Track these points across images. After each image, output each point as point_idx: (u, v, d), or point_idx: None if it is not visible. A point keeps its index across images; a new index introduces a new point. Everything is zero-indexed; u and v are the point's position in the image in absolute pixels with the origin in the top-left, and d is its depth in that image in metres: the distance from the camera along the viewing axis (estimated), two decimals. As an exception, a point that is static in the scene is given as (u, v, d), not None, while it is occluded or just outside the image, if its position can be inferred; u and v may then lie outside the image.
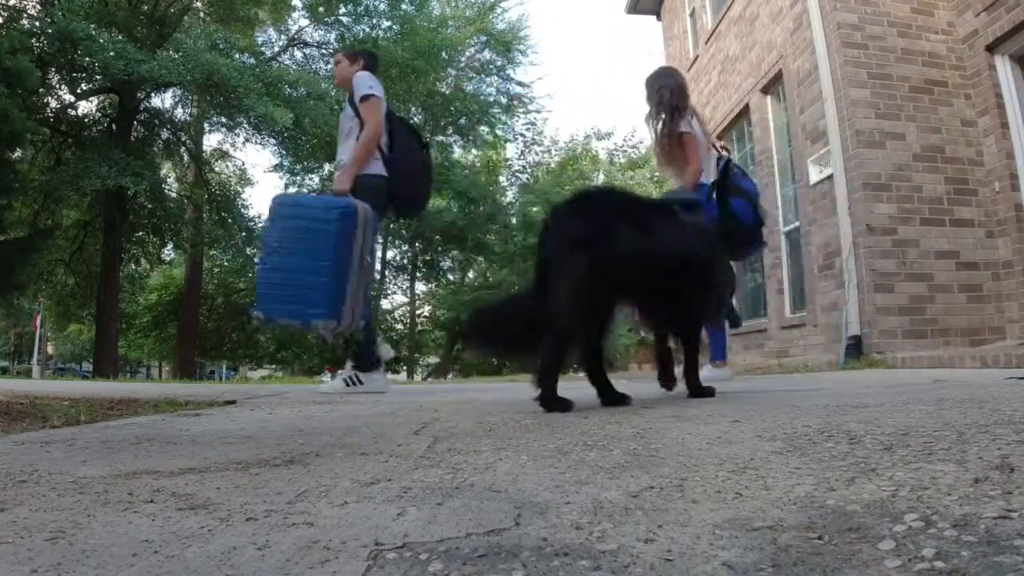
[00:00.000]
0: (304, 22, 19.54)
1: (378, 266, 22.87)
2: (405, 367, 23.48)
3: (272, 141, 17.45)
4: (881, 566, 0.63)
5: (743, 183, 3.12)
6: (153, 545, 0.77)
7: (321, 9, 18.87)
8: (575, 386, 2.29)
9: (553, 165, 23.62)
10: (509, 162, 23.75)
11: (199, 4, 16.84)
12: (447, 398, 2.90)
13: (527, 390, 2.17)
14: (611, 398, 2.15)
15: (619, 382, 2.43)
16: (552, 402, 2.02)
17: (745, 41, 7.76)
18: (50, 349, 34.81)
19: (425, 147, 3.73)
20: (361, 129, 3.36)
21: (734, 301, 3.77)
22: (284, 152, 18.84)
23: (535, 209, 22.03)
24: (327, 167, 21.19)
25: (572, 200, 2.23)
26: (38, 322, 19.07)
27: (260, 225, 18.99)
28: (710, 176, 3.37)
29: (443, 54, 19.87)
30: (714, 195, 2.79)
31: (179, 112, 17.58)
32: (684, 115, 3.50)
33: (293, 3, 18.14)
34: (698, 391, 2.30)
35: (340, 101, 17.02)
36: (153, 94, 15.81)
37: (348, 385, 3.38)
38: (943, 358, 4.45)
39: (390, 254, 23.21)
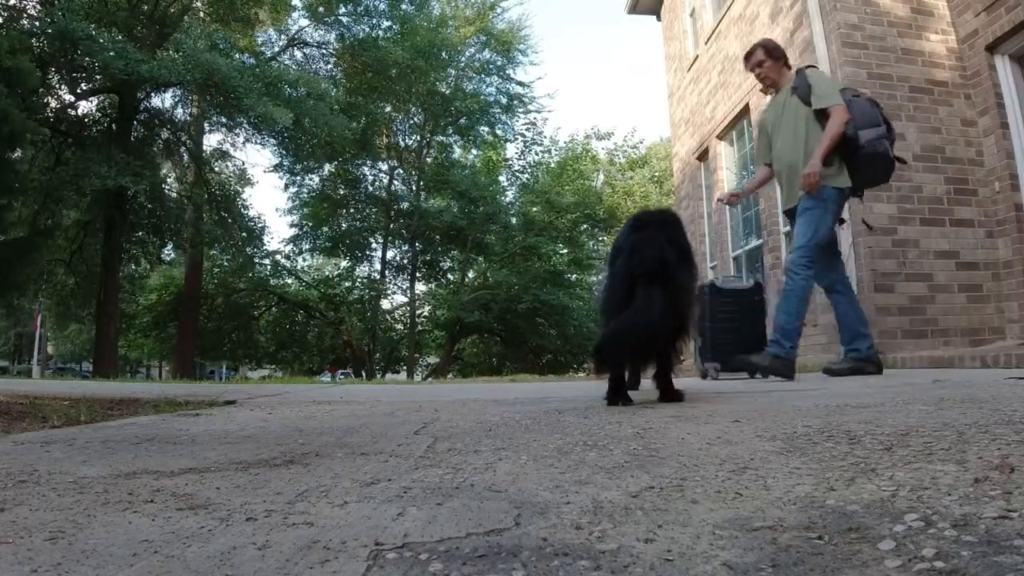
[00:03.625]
0: (304, 22, 19.58)
1: (378, 266, 22.90)
2: (405, 367, 23.49)
3: (272, 141, 17.47)
4: (881, 566, 0.63)
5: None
6: (153, 545, 0.77)
7: (321, 9, 18.89)
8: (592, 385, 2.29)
9: (553, 165, 23.61)
10: (509, 162, 23.76)
11: (199, 4, 16.84)
12: (448, 398, 2.90)
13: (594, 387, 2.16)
14: (678, 394, 2.33)
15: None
16: (680, 393, 2.30)
17: (745, 41, 7.75)
18: (50, 349, 34.82)
19: None
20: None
21: None
22: (284, 152, 18.87)
23: (535, 209, 22.07)
24: (327, 167, 21.25)
25: (663, 215, 2.41)
26: (38, 322, 19.07)
27: (260, 225, 19.00)
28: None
29: (443, 54, 19.89)
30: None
31: (179, 112, 17.60)
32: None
33: (293, 3, 18.16)
34: (671, 395, 2.31)
35: (340, 101, 17.07)
36: (153, 94, 15.82)
37: None
38: (943, 358, 4.45)
39: (390, 254, 23.22)
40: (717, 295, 4.84)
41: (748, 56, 4.01)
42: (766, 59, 3.89)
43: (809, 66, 3.99)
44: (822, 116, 3.63)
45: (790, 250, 3.95)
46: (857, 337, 3.71)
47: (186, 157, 18.12)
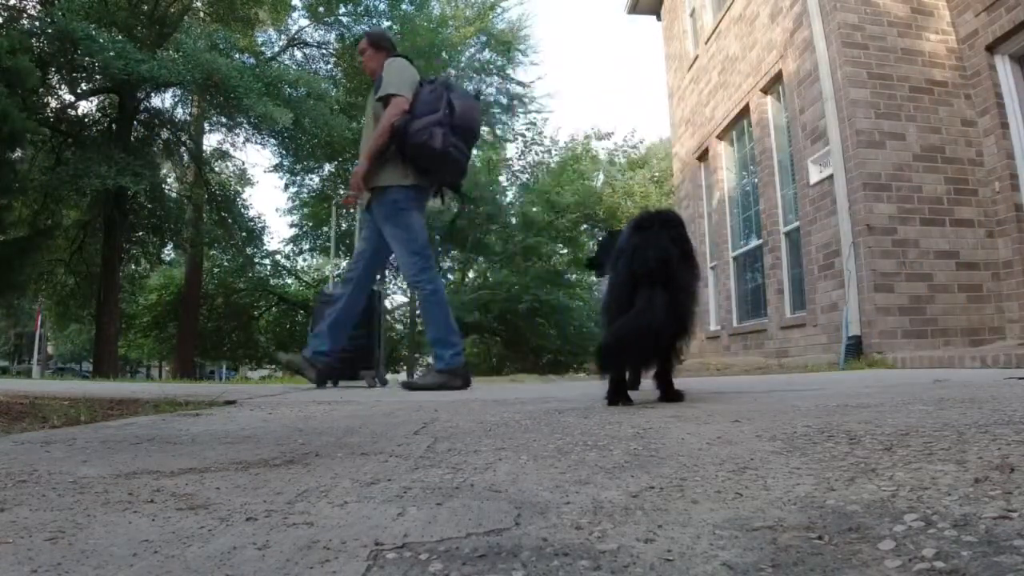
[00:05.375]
0: (304, 22, 19.56)
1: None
2: (405, 367, 23.48)
3: (272, 141, 17.46)
4: (881, 566, 0.63)
5: None
6: (153, 545, 0.77)
7: (321, 9, 18.88)
8: (588, 385, 2.29)
9: (553, 165, 23.60)
10: (509, 162, 23.74)
11: (199, 4, 16.85)
12: (448, 398, 2.90)
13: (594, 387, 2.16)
14: (678, 394, 2.34)
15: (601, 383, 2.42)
16: (681, 393, 2.31)
17: (745, 41, 7.76)
18: (50, 349, 34.81)
19: None
20: None
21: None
22: (284, 152, 18.86)
23: (535, 209, 22.05)
24: (327, 167, 21.24)
25: (665, 216, 2.40)
26: (39, 322, 19.07)
27: (260, 225, 19.00)
28: None
29: (443, 54, 19.87)
30: None
31: (179, 112, 17.60)
32: None
33: (293, 3, 18.15)
34: (671, 395, 2.32)
35: (340, 101, 17.07)
36: (153, 94, 15.81)
37: None
38: (943, 358, 4.45)
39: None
40: (326, 303, 4.49)
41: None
42: (367, 48, 3.76)
43: (397, 55, 3.72)
44: (385, 107, 3.44)
45: (395, 263, 3.85)
46: (443, 344, 3.47)
47: (186, 157, 18.12)
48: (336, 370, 4.08)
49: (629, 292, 2.13)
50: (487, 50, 21.85)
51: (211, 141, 20.65)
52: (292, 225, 22.50)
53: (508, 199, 23.42)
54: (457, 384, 3.40)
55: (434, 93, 3.42)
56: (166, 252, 19.67)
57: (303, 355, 3.63)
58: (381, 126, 3.40)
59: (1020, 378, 2.44)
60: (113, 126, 15.68)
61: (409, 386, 3.58)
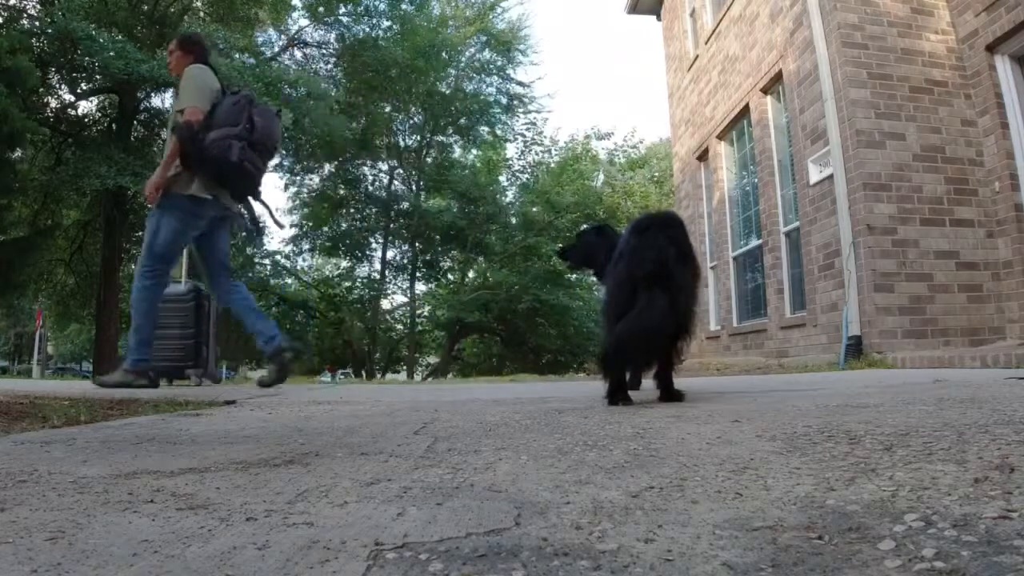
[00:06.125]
0: (304, 22, 19.57)
1: (378, 266, 22.93)
2: (405, 367, 23.49)
3: (272, 141, 17.44)
4: (881, 566, 0.63)
5: None
6: (153, 545, 0.77)
7: (321, 9, 18.88)
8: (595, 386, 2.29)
9: (553, 165, 23.61)
10: (509, 162, 23.75)
11: (199, 4, 16.84)
12: (448, 398, 2.90)
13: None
14: (678, 394, 2.35)
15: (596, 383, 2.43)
16: (681, 393, 2.33)
17: (745, 41, 7.76)
18: (50, 349, 34.80)
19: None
20: None
21: None
22: (284, 152, 18.84)
23: (535, 209, 22.07)
24: (327, 167, 21.25)
25: (665, 217, 2.43)
26: (39, 322, 19.07)
27: (260, 225, 19.00)
28: None
29: (443, 54, 19.88)
30: None
31: (179, 112, 17.58)
32: None
33: (293, 3, 18.15)
34: (671, 395, 2.32)
35: (340, 101, 17.08)
36: (153, 94, 15.81)
37: None
38: (943, 358, 4.45)
39: (390, 254, 23.22)
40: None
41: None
42: (176, 49, 3.75)
43: (203, 62, 3.69)
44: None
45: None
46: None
47: (186, 157, 18.09)
48: (164, 369, 4.19)
49: (630, 293, 2.13)
50: (487, 50, 21.86)
51: (211, 141, 20.62)
52: (292, 225, 22.55)
53: (508, 199, 23.44)
54: (141, 383, 3.50)
55: (237, 106, 3.46)
56: (166, 252, 19.64)
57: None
58: (173, 140, 3.43)
59: (1020, 378, 2.44)
60: (113, 126, 15.69)
61: (101, 384, 3.59)
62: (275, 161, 20.99)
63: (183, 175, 3.46)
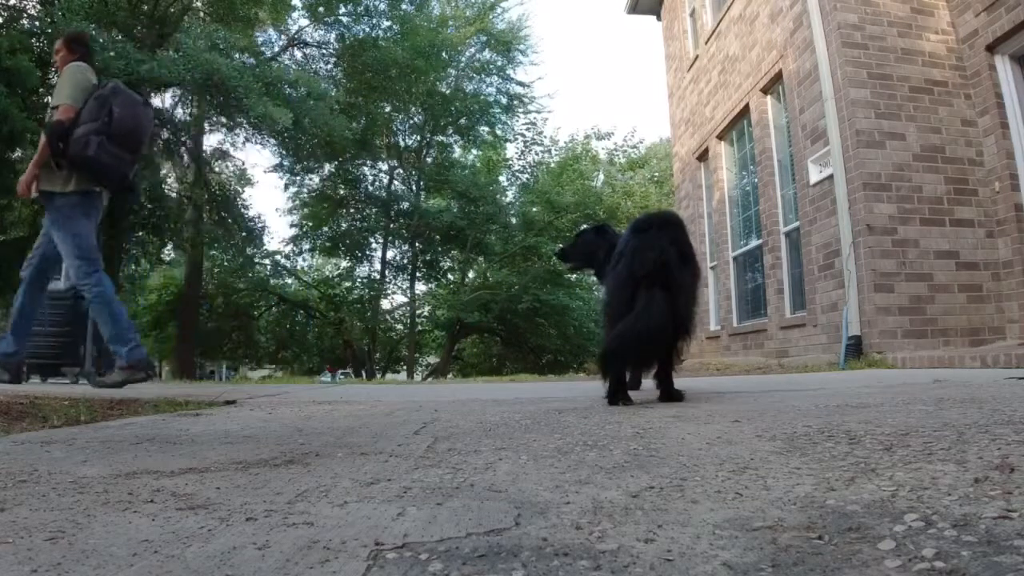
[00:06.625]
0: (304, 22, 19.55)
1: (378, 266, 22.94)
2: (405, 367, 23.48)
3: (272, 141, 17.45)
4: (881, 566, 0.63)
5: None
6: (153, 545, 0.77)
7: (321, 9, 18.88)
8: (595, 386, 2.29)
9: (553, 165, 23.60)
10: (509, 162, 23.74)
11: (199, 4, 16.84)
12: (448, 398, 2.90)
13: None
14: (678, 394, 2.36)
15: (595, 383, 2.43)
16: (681, 393, 2.34)
17: (745, 41, 7.76)
18: (50, 349, 34.74)
19: None
20: None
21: None
22: (284, 152, 18.86)
23: (535, 209, 22.06)
24: (327, 167, 21.25)
25: (664, 217, 2.44)
26: (39, 322, 19.06)
27: (260, 225, 19.02)
28: None
29: (443, 54, 19.87)
30: None
31: (179, 112, 17.58)
32: None
33: (293, 3, 18.13)
34: (671, 395, 2.33)
35: (340, 101, 17.07)
36: (153, 94, 15.80)
37: None
38: (943, 358, 4.45)
39: (390, 254, 23.21)
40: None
41: None
42: (61, 48, 3.75)
43: (83, 60, 3.68)
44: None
45: (66, 268, 3.83)
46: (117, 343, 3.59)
47: (186, 157, 18.10)
48: (34, 367, 4.16)
49: (630, 293, 2.14)
50: (487, 50, 21.86)
51: (211, 141, 20.61)
52: (292, 225, 22.53)
53: (508, 199, 23.43)
54: (140, 377, 3.52)
55: (98, 100, 3.46)
56: (166, 252, 19.65)
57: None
58: (44, 137, 3.45)
59: (1020, 378, 2.44)
60: (113, 126, 15.65)
61: (99, 384, 3.61)
62: (275, 162, 20.83)
63: (62, 174, 3.49)
